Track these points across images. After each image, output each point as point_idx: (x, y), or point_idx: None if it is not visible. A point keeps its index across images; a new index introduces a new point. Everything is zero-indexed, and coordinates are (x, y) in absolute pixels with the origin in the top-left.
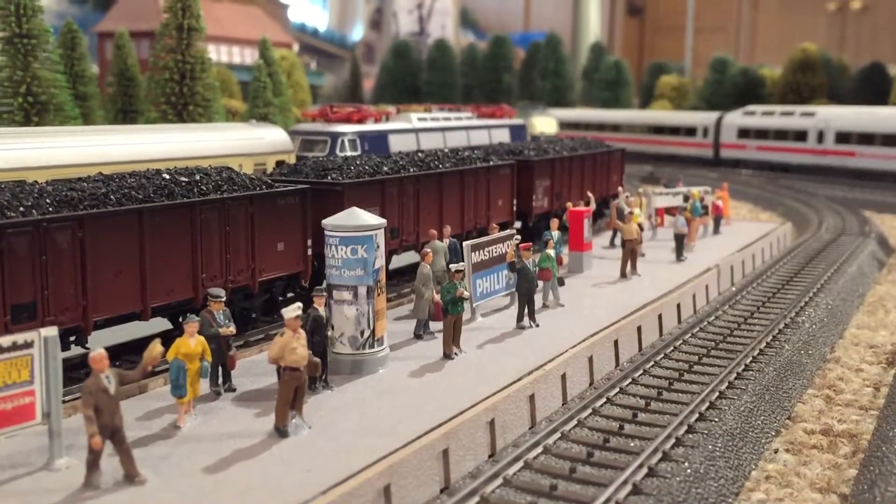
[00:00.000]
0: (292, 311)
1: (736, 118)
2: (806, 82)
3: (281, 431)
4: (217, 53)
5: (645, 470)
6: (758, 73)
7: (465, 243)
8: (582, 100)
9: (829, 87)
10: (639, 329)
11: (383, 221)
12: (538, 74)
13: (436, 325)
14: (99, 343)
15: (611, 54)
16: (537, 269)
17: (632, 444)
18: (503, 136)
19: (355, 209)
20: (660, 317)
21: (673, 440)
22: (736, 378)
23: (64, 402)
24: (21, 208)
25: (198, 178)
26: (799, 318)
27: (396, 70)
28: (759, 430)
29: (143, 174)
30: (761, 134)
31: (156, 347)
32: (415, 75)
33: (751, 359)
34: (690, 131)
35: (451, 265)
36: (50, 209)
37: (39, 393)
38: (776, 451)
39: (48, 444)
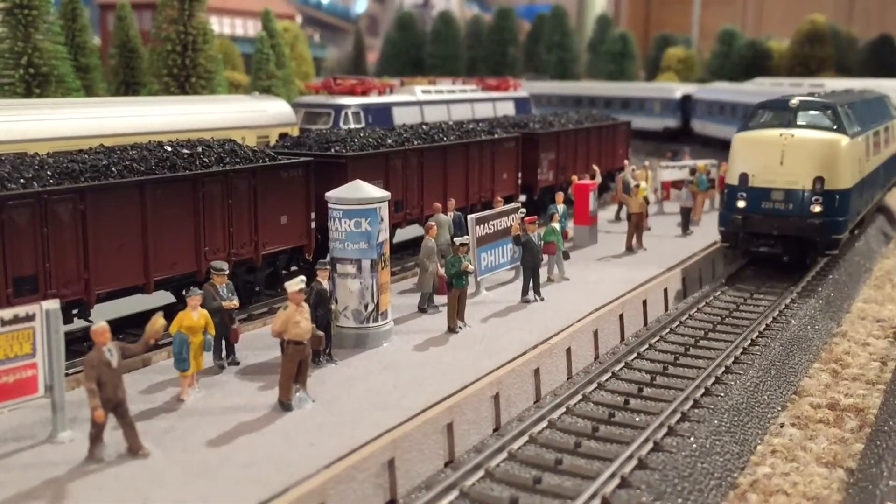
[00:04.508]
0: (296, 284)
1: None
2: (814, 55)
3: (285, 405)
4: (219, 25)
5: (650, 445)
6: (765, 45)
7: (469, 217)
8: (587, 72)
9: (838, 60)
10: (644, 303)
11: (387, 194)
12: (543, 47)
13: (440, 299)
14: (101, 316)
15: (617, 26)
16: (542, 242)
17: (637, 419)
18: (508, 109)
19: (359, 182)
20: (665, 291)
21: (679, 415)
22: (742, 353)
23: (66, 375)
24: (22, 180)
25: (200, 150)
26: (805, 292)
27: (400, 42)
28: (764, 404)
29: (144, 146)
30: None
31: (158, 321)
32: (419, 48)
33: (757, 333)
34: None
35: (455, 239)
36: (51, 181)
37: (42, 366)
38: (782, 426)
39: (51, 418)
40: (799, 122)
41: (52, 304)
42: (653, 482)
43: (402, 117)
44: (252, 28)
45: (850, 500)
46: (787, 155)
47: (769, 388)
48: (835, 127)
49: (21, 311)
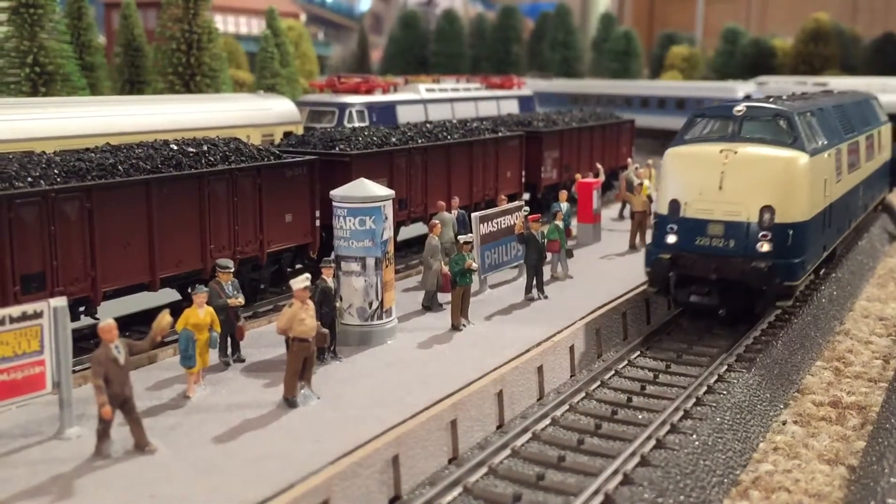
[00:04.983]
0: (301, 282)
1: None
2: (818, 53)
3: (290, 402)
4: (224, 24)
5: (653, 442)
6: (769, 43)
7: (473, 215)
8: (591, 71)
9: (842, 58)
10: (647, 301)
11: (391, 192)
12: (547, 45)
13: (444, 297)
14: (108, 314)
15: (621, 24)
16: (546, 240)
17: (640, 417)
18: (512, 107)
19: (363, 180)
20: None
21: (681, 413)
22: (745, 351)
23: (74, 372)
24: (29, 179)
25: (205, 148)
26: (809, 290)
27: (404, 41)
28: (767, 402)
29: (150, 145)
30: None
31: (165, 318)
32: (423, 46)
33: (759, 331)
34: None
35: (459, 237)
36: (58, 179)
37: (49, 363)
38: (784, 423)
39: (59, 414)
40: (745, 135)
41: (60, 302)
42: (655, 479)
43: (406, 116)
44: (256, 26)
45: (852, 497)
46: (728, 177)
47: (772, 386)
48: (790, 141)
49: (29, 308)
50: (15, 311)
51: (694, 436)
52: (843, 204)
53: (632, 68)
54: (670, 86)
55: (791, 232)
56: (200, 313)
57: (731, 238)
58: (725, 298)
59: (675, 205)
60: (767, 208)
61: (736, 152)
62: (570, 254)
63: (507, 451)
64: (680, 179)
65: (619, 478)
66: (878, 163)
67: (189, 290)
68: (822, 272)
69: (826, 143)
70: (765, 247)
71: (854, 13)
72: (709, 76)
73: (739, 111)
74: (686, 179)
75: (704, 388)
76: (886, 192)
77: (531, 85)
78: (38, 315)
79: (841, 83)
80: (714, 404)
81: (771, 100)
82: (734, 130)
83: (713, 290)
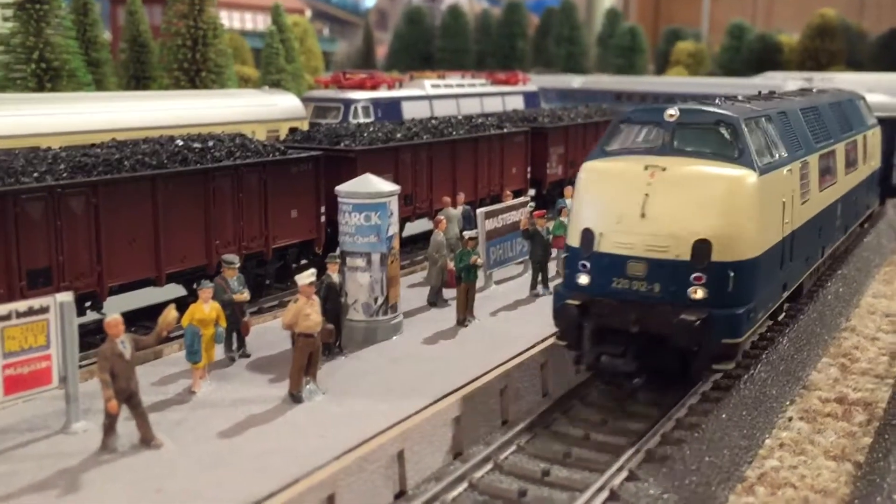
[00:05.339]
0: (306, 277)
1: None
2: (824, 48)
3: (295, 397)
4: (229, 20)
5: (658, 438)
6: (775, 39)
7: (478, 210)
8: (596, 66)
9: (848, 54)
10: None
11: (397, 188)
12: (552, 41)
13: (449, 293)
14: (114, 309)
15: (626, 20)
16: (551, 236)
17: (649, 412)
18: (517, 103)
19: (369, 176)
20: None
21: (686, 409)
22: (751, 348)
23: (80, 366)
24: (35, 174)
25: (211, 144)
26: (816, 286)
27: (409, 37)
28: (773, 399)
29: (156, 140)
30: None
31: (171, 313)
32: (428, 42)
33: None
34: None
35: (464, 232)
36: (64, 175)
37: (56, 357)
38: (790, 420)
39: (65, 408)
40: (678, 146)
41: (66, 297)
42: (660, 475)
43: (411, 111)
44: (262, 22)
45: (858, 493)
46: (654, 202)
47: (777, 382)
48: (736, 155)
49: (35, 303)
50: (21, 305)
51: (698, 433)
52: (812, 229)
53: (637, 64)
54: (721, 83)
55: (733, 273)
56: (206, 309)
57: (655, 280)
58: (653, 358)
59: (588, 235)
60: (702, 243)
61: (664, 169)
62: None
63: (513, 447)
64: (595, 203)
65: (624, 474)
66: (864, 173)
67: (194, 286)
68: (781, 317)
69: (787, 155)
70: (699, 293)
71: (861, 9)
72: (714, 72)
73: (672, 116)
74: (602, 203)
75: (711, 384)
76: (876, 205)
77: (564, 81)
78: (44, 310)
79: (847, 79)
80: (719, 400)
81: (717, 101)
82: (665, 141)
83: (630, 350)
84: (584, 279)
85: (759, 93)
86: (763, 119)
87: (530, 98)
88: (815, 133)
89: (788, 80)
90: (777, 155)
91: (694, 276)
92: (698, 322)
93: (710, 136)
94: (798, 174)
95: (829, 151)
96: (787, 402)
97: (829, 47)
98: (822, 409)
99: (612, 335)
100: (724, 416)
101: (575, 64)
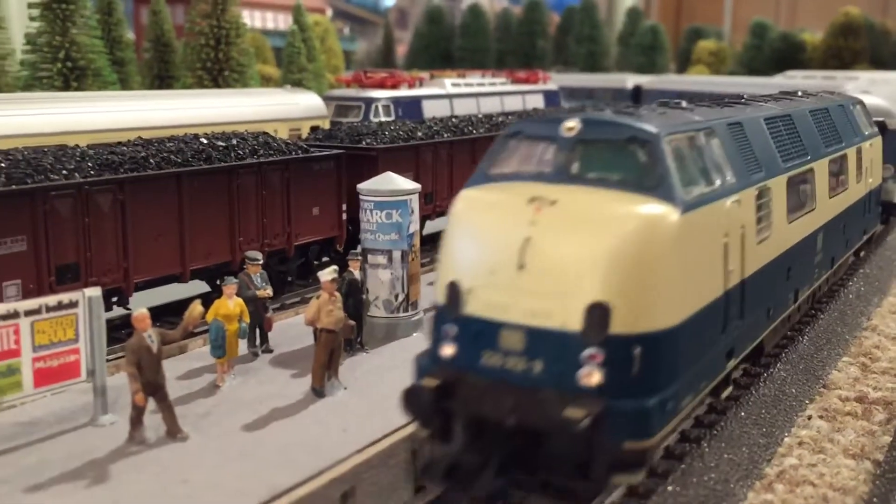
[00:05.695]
0: (328, 274)
1: None
2: (848, 47)
3: (317, 392)
4: (251, 19)
5: (677, 435)
6: (798, 37)
7: None
8: (617, 65)
9: (872, 52)
10: None
11: (418, 186)
12: (573, 40)
13: None
14: (140, 304)
15: (647, 19)
16: None
17: None
18: (537, 102)
19: (390, 174)
20: None
21: (705, 406)
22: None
23: (108, 360)
24: (64, 171)
25: (234, 142)
26: (836, 286)
27: (429, 35)
28: (792, 397)
29: (181, 139)
30: None
31: (196, 308)
32: (448, 41)
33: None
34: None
35: None
36: (91, 173)
37: (84, 351)
38: (809, 418)
39: (93, 401)
40: (577, 171)
41: (95, 292)
42: (675, 470)
43: (431, 110)
44: (283, 22)
45: (877, 492)
46: (537, 248)
47: (797, 381)
48: (652, 183)
49: (65, 297)
50: (51, 300)
51: (717, 430)
52: (774, 273)
53: (658, 63)
54: (802, 83)
55: (640, 350)
56: (230, 304)
57: (535, 357)
58: (538, 461)
59: (454, 290)
60: (598, 307)
61: (554, 203)
62: None
63: None
64: (464, 247)
65: None
66: (858, 194)
67: (218, 282)
68: (727, 392)
69: (736, 181)
70: (594, 377)
71: (885, 7)
72: (736, 71)
73: (571, 129)
74: (472, 248)
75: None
76: (874, 229)
77: (628, 80)
78: (73, 304)
79: (870, 77)
80: (739, 398)
81: (639, 110)
82: (560, 164)
83: (497, 451)
84: (448, 349)
85: (725, 99)
86: (701, 134)
87: (551, 97)
88: (783, 149)
89: (805, 80)
90: (718, 181)
91: (587, 353)
92: (589, 419)
93: (620, 157)
94: (752, 205)
95: (803, 171)
96: (807, 401)
97: (852, 46)
98: (841, 408)
99: (479, 431)
100: (742, 414)
101: (595, 63)
